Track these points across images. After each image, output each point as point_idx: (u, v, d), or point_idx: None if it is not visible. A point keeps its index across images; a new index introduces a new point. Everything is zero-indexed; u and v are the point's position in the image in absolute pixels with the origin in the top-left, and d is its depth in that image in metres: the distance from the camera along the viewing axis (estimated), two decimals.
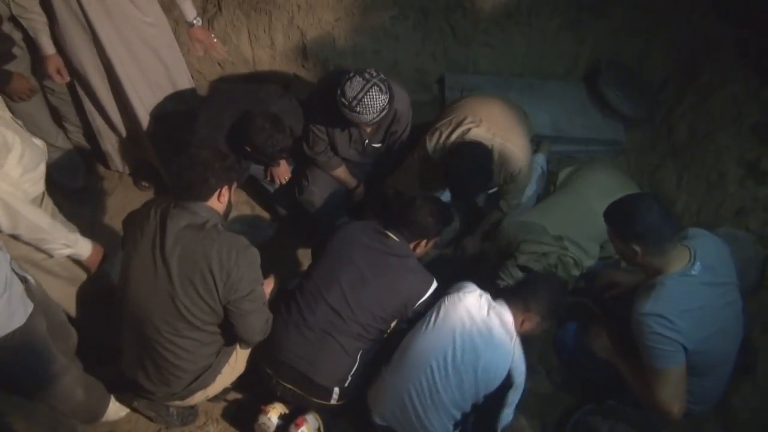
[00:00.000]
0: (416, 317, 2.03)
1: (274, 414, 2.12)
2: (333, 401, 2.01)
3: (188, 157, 1.81)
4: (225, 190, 1.85)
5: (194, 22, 2.52)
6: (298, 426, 2.08)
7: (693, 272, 1.78)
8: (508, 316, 1.91)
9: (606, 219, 1.90)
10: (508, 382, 1.86)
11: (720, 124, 2.78)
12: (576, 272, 2.37)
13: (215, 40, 2.64)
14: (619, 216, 1.85)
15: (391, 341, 2.18)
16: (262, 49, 3.20)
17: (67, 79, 2.46)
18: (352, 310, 1.94)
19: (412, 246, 2.06)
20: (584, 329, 2.20)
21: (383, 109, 2.19)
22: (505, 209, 2.55)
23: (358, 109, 2.14)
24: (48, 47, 2.33)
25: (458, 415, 1.93)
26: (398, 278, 1.98)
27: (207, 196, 1.82)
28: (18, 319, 1.67)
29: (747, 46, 2.87)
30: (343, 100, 2.15)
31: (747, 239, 2.40)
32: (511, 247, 2.42)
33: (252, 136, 2.29)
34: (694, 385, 1.86)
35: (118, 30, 2.34)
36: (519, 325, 1.93)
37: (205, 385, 2.00)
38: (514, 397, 1.90)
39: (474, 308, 1.91)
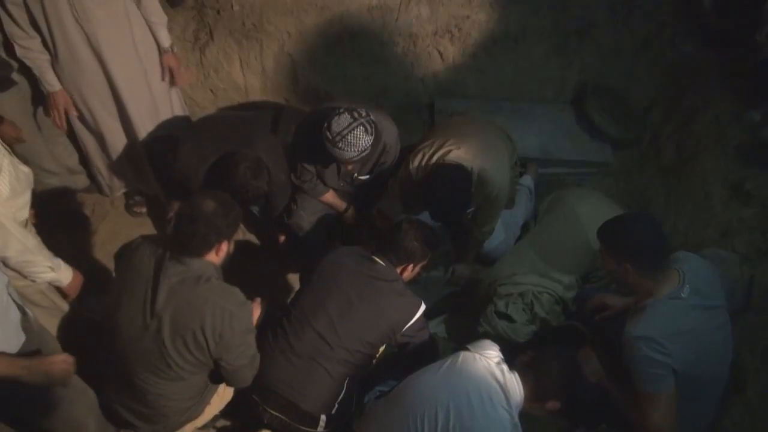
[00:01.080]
0: (405, 341, 2.02)
1: None
2: (320, 428, 1.99)
3: (190, 208, 1.74)
4: (224, 245, 1.80)
5: (169, 49, 2.55)
6: None
7: (682, 295, 1.78)
8: (518, 397, 1.78)
9: (600, 236, 1.88)
10: None
11: (705, 146, 2.81)
12: (557, 306, 2.36)
13: (182, 69, 2.68)
14: (614, 233, 1.85)
15: (382, 368, 2.16)
16: (254, 75, 3.23)
17: (75, 114, 2.48)
18: (339, 336, 1.93)
19: (399, 270, 2.06)
20: (575, 352, 2.19)
21: (365, 150, 2.20)
22: (478, 235, 2.55)
23: (340, 145, 2.17)
24: (54, 83, 2.36)
25: None
26: (385, 302, 1.98)
27: (205, 252, 1.77)
28: (11, 347, 1.64)
29: (729, 69, 2.92)
30: (328, 134, 2.18)
31: (733, 260, 2.40)
32: (491, 289, 2.41)
33: (230, 180, 2.27)
34: (684, 408, 1.84)
35: (122, 57, 2.39)
36: (529, 407, 1.81)
37: (193, 417, 1.99)
38: None
39: (485, 377, 1.78)
